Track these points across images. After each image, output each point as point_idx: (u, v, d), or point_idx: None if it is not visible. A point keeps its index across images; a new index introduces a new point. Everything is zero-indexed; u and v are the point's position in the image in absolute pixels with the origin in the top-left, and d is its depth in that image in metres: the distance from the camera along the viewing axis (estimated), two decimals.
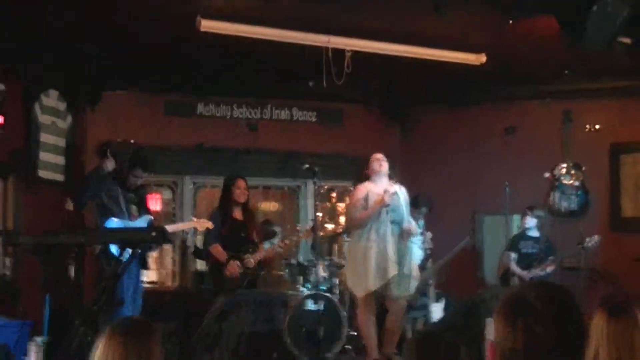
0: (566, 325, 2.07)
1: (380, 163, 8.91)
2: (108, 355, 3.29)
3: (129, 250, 6.65)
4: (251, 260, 9.34)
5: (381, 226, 8.66)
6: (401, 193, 8.93)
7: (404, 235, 8.72)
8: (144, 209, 9.25)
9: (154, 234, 6.97)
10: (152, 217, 9.32)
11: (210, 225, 9.53)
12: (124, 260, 6.67)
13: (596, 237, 10.55)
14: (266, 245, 9.88)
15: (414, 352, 3.82)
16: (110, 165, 8.83)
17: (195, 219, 10.07)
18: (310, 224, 10.54)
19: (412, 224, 9.02)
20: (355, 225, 9.07)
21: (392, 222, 8.70)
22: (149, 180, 11.62)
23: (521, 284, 3.29)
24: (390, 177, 8.99)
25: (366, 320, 8.81)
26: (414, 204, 10.15)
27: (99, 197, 8.74)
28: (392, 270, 8.58)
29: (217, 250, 9.31)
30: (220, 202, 9.74)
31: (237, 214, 9.61)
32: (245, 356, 7.63)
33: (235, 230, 9.47)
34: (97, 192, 8.77)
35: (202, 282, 10.52)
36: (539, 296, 2.10)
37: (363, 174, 9.09)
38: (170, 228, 8.65)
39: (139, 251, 7.34)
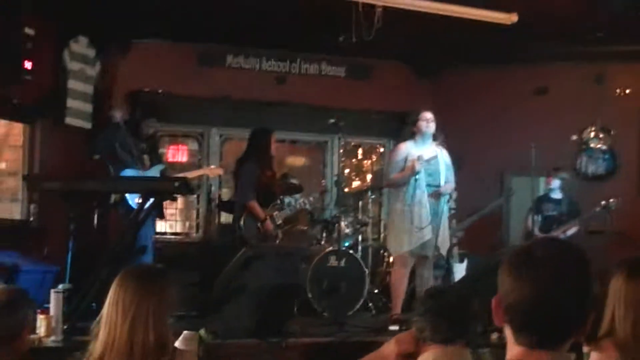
0: (573, 280, 2.05)
1: (428, 124, 8.81)
2: (119, 299, 3.32)
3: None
4: (280, 217, 9.31)
5: (417, 190, 8.62)
6: (442, 156, 8.85)
7: (434, 195, 8.68)
8: (156, 158, 9.24)
9: (177, 184, 6.99)
10: (164, 166, 9.31)
11: (220, 172, 9.50)
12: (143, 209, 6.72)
13: (613, 200, 10.45)
14: (287, 200, 9.75)
15: (424, 303, 3.84)
16: (119, 116, 8.84)
17: (205, 167, 10.06)
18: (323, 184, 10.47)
19: (449, 187, 8.91)
20: (388, 185, 9.13)
21: (429, 185, 8.66)
22: (177, 130, 11.73)
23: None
24: (435, 138, 8.90)
25: (399, 278, 8.81)
26: None
27: (113, 147, 8.72)
28: (423, 235, 8.55)
29: (255, 206, 9.23)
30: (255, 155, 9.50)
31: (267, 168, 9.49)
32: (267, 307, 7.63)
33: (267, 185, 9.39)
34: (111, 142, 8.76)
35: (227, 234, 10.51)
36: (546, 250, 2.09)
37: (410, 131, 8.98)
38: (181, 175, 8.65)
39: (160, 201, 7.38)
